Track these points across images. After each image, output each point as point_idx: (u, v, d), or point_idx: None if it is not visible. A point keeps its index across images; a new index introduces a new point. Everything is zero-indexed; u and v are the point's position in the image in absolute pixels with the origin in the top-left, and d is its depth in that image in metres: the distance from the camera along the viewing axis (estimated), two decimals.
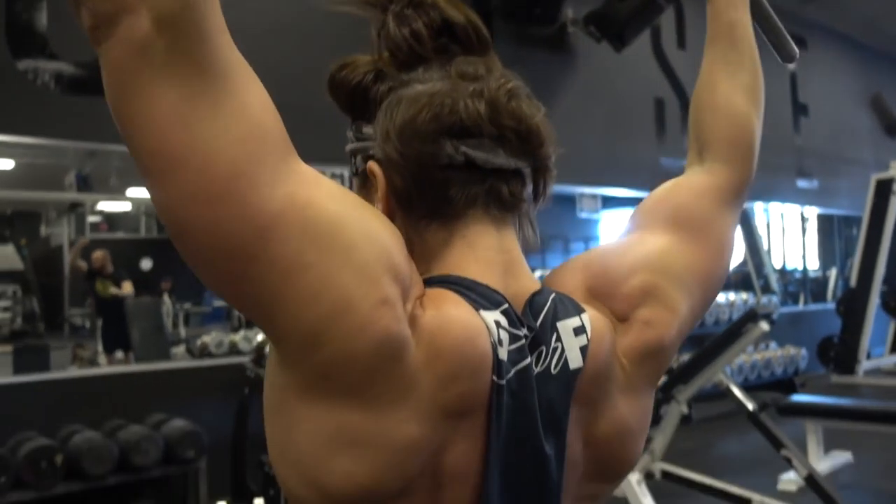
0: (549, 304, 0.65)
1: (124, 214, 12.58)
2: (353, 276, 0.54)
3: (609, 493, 0.73)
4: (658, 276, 0.70)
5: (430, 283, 0.63)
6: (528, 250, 0.70)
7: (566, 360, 0.63)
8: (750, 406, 3.67)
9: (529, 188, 0.68)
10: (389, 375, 0.55)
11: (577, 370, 0.63)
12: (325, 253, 0.54)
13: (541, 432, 0.61)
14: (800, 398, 4.81)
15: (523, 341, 0.61)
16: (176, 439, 3.68)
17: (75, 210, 11.08)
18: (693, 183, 0.79)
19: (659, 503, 2.73)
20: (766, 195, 8.40)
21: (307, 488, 0.58)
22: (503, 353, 0.59)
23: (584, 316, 0.65)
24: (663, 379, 4.11)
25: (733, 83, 0.82)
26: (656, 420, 4.03)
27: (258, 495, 3.85)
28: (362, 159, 0.69)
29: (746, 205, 8.23)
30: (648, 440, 4.09)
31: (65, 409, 3.85)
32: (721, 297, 6.94)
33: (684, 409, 3.91)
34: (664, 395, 3.96)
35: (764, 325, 3.53)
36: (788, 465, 3.65)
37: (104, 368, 5.03)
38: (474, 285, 0.62)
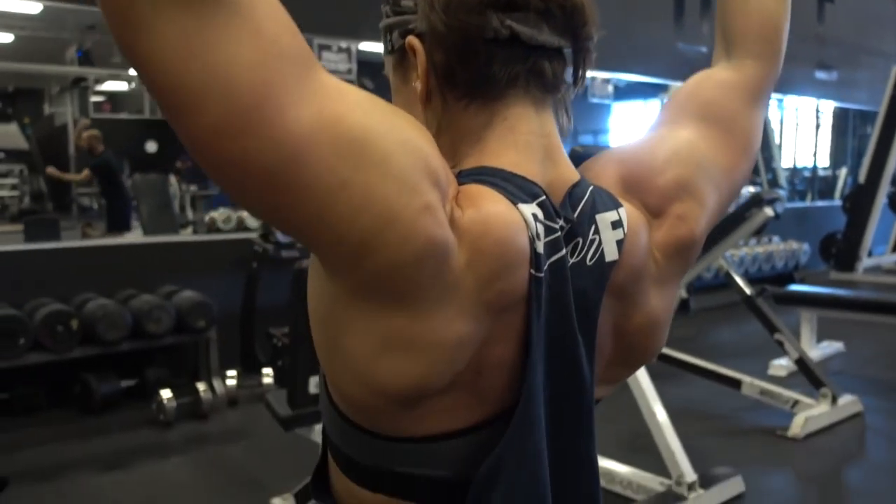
0: (587, 196, 0.65)
1: (128, 94, 12.39)
2: (392, 186, 0.53)
3: (628, 377, 0.76)
4: (690, 170, 0.71)
5: (463, 176, 0.62)
6: (560, 136, 0.69)
7: (602, 252, 0.64)
8: (747, 290, 3.73)
9: (570, 70, 0.67)
10: (435, 279, 0.55)
11: (613, 263, 0.65)
12: (361, 168, 0.52)
13: (574, 321, 0.63)
14: (796, 288, 4.89)
15: (559, 233, 0.62)
16: (187, 309, 3.78)
17: (78, 87, 10.89)
18: (722, 78, 0.79)
19: (653, 383, 2.82)
20: (783, 87, 8.19)
21: (360, 388, 0.59)
22: (540, 247, 0.60)
23: (622, 210, 0.66)
24: None
25: None
26: None
27: (266, 365, 4.01)
28: (399, 35, 0.66)
29: None
30: None
31: (78, 279, 3.95)
32: None
33: (683, 294, 3.98)
34: None
35: (768, 211, 3.54)
36: (781, 349, 3.76)
37: (115, 240, 5.09)
38: (511, 177, 0.62)
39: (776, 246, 7.11)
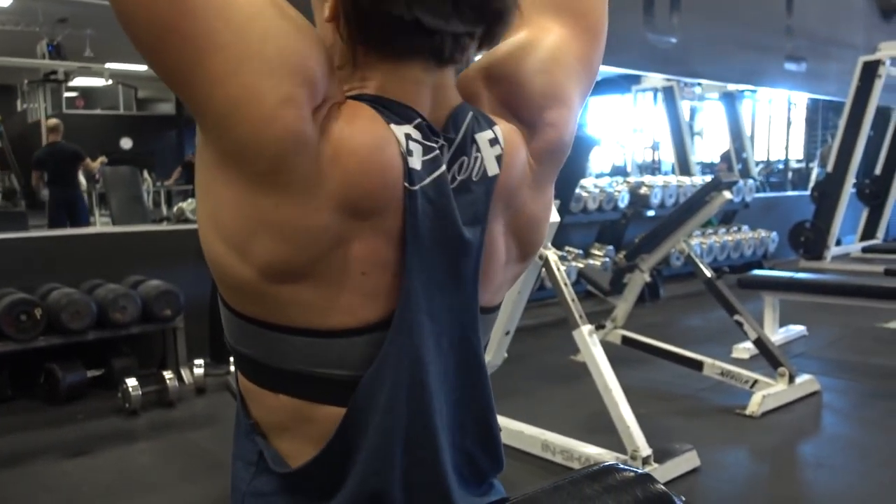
0: (468, 118, 0.70)
1: (102, 90, 12.28)
2: (261, 65, 0.57)
3: (523, 270, 0.83)
4: (552, 73, 0.75)
5: (351, 98, 0.66)
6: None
7: (485, 168, 0.70)
8: (707, 273, 3.80)
9: (477, 43, 0.68)
10: (296, 168, 0.60)
11: (495, 177, 0.71)
12: (239, 38, 0.57)
13: (461, 229, 0.68)
14: (759, 272, 4.96)
15: (437, 153, 0.67)
16: (153, 298, 3.78)
17: (50, 82, 10.78)
18: None
19: (618, 367, 2.88)
20: (754, 78, 8.30)
21: (233, 259, 0.64)
22: (415, 163, 0.65)
23: (496, 129, 0.71)
24: (625, 251, 4.22)
25: None
26: (619, 288, 4.18)
27: None
28: None
29: (732, 88, 8.04)
30: (611, 309, 4.25)
31: (44, 269, 3.93)
32: (698, 179, 7.01)
33: (647, 278, 4.04)
34: (628, 265, 4.08)
35: (727, 194, 3.60)
36: (742, 332, 3.83)
37: (81, 230, 5.07)
38: (391, 104, 0.66)
39: (744, 234, 7.21)
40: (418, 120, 0.67)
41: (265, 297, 0.66)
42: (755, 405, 3.39)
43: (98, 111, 12.47)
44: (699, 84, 8.23)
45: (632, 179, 6.84)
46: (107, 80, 11.25)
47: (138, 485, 2.82)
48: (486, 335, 0.78)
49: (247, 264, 0.64)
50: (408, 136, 0.65)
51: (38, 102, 11.62)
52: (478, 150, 0.69)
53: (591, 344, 2.75)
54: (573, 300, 2.88)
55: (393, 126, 0.65)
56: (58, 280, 3.83)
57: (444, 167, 0.67)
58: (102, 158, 6.80)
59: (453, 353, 0.72)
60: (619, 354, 3.84)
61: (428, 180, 0.66)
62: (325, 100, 0.62)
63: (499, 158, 0.70)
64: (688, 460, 2.76)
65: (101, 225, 6.34)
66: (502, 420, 3.07)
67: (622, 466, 0.80)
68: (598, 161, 10.82)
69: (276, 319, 0.67)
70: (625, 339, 4.06)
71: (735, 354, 4.35)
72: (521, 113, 0.74)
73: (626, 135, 10.76)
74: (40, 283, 3.81)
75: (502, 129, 0.72)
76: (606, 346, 3.76)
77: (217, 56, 0.57)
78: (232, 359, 0.76)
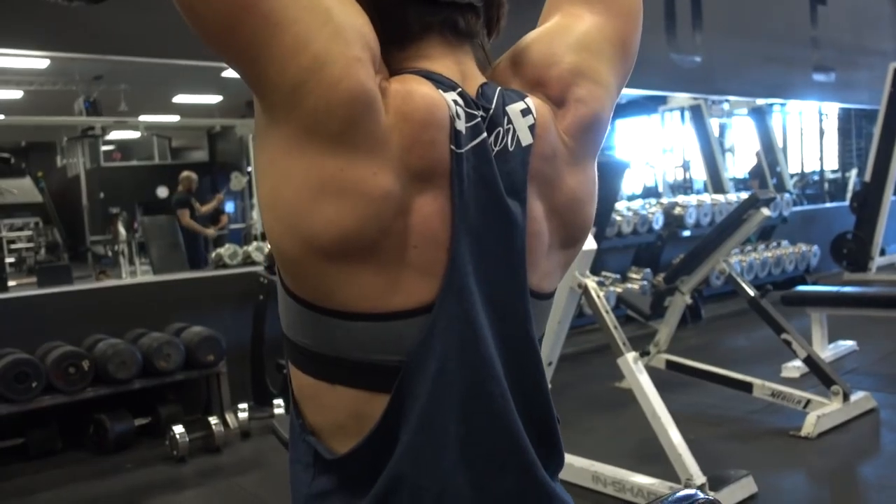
0: (497, 92, 0.72)
1: (137, 142, 12.61)
2: (332, 33, 0.61)
3: (571, 259, 0.81)
4: (583, 55, 0.76)
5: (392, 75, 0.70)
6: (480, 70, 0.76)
7: (519, 138, 0.71)
8: (751, 292, 3.72)
9: (483, 20, 0.75)
10: (364, 127, 0.62)
11: (529, 146, 0.71)
12: (309, 11, 0.61)
13: (505, 198, 0.69)
14: (803, 288, 4.85)
15: (479, 120, 0.69)
16: (196, 344, 3.83)
17: (88, 137, 11.10)
18: None
19: (664, 393, 2.82)
20: (782, 92, 8.22)
21: (293, 238, 0.65)
22: (461, 126, 0.67)
23: (528, 100, 0.73)
24: (663, 274, 4.16)
25: None
26: (660, 312, 4.12)
27: (277, 396, 4.03)
28: None
29: (761, 102, 7.96)
30: (652, 333, 4.19)
31: (88, 321, 4.01)
32: (732, 196, 6.92)
33: (688, 300, 3.97)
34: (668, 287, 4.02)
35: (765, 211, 3.54)
36: (790, 350, 3.73)
37: (123, 280, 5.17)
38: (431, 74, 0.69)
39: (785, 250, 7.07)
40: (460, 89, 0.69)
41: (325, 278, 0.65)
42: (810, 426, 3.29)
43: (134, 162, 12.79)
44: (727, 101, 8.17)
45: (665, 200, 6.77)
46: (141, 133, 11.54)
47: None
48: (539, 324, 0.76)
49: (308, 243, 0.64)
50: (455, 102, 0.67)
51: (77, 157, 11.95)
52: (510, 121, 0.70)
53: (636, 371, 2.70)
54: (615, 327, 2.84)
55: (441, 91, 0.67)
56: (103, 331, 3.90)
57: (485, 134, 0.68)
58: (219, 196, 7.19)
59: (504, 327, 0.70)
60: (664, 379, 3.77)
61: (471, 146, 0.67)
62: (378, 70, 0.65)
63: (532, 128, 0.71)
64: (744, 487, 2.68)
65: (140, 275, 6.45)
66: None
67: (701, 496, 0.77)
68: (629, 183, 10.76)
69: (335, 304, 0.66)
70: (669, 364, 3.98)
71: (784, 374, 4.23)
72: (549, 91, 0.75)
73: (656, 155, 10.69)
74: (86, 334, 3.88)
75: (533, 101, 0.73)
76: (651, 371, 3.70)
77: (290, 29, 0.60)
78: (284, 357, 0.75)
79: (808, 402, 3.45)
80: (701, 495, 0.76)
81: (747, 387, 3.64)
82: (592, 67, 0.76)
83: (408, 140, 0.64)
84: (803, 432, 3.28)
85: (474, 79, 0.73)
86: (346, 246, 0.64)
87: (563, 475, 2.72)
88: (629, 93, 7.08)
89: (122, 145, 12.80)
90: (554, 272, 0.77)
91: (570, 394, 4.05)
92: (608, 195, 3.42)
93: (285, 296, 0.70)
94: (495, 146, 0.69)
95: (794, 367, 4.20)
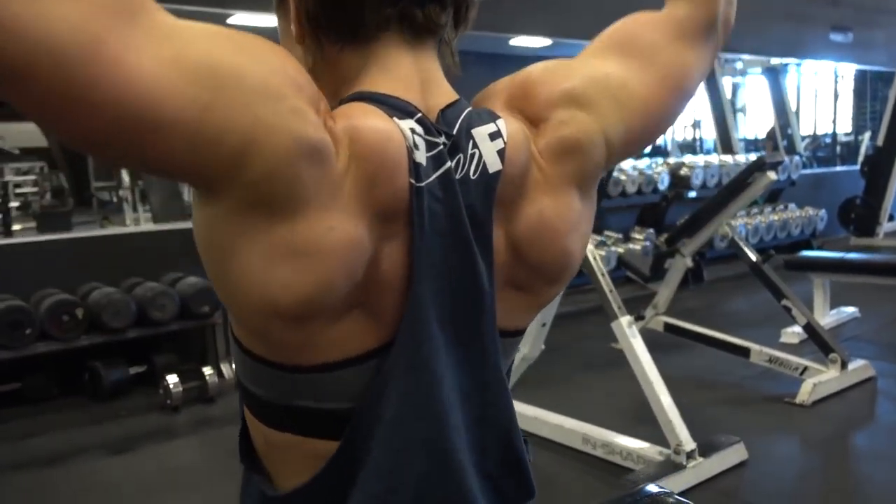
0: (463, 114, 0.65)
1: None
2: (253, 97, 0.53)
3: (540, 300, 0.73)
4: (584, 83, 0.69)
5: (340, 102, 0.63)
6: (449, 79, 0.69)
7: (485, 164, 0.64)
8: (753, 257, 3.67)
9: (449, 13, 0.67)
10: (314, 181, 0.55)
11: (497, 173, 0.64)
12: (219, 89, 0.52)
13: (469, 233, 0.63)
14: (807, 253, 4.79)
15: (441, 148, 0.62)
16: (191, 295, 3.81)
17: None
18: (649, 16, 0.78)
19: (659, 355, 2.80)
20: (797, 51, 8.01)
21: (254, 309, 0.58)
22: (420, 157, 0.60)
23: (499, 122, 0.66)
24: (666, 235, 4.10)
25: None
26: (660, 274, 4.07)
27: None
28: None
29: (775, 62, 7.76)
30: (652, 295, 4.15)
31: (84, 269, 3.99)
32: (741, 158, 6.80)
33: (689, 263, 3.92)
34: (669, 250, 3.97)
35: (772, 175, 3.46)
36: (790, 316, 3.69)
37: (121, 228, 5.15)
38: (386, 98, 0.62)
39: (791, 213, 6.98)
40: (419, 115, 0.63)
41: (281, 336, 0.61)
42: (806, 393, 3.27)
43: None
44: (741, 59, 7.98)
45: (672, 160, 6.67)
46: None
47: (179, 482, 2.84)
48: (507, 358, 0.72)
49: (269, 312, 0.58)
50: (412, 131, 0.61)
51: None
52: (475, 145, 0.64)
53: (630, 336, 2.67)
54: (611, 290, 2.80)
55: (396, 119, 0.61)
56: (100, 279, 3.88)
57: (449, 163, 0.62)
58: None
59: (470, 368, 0.67)
60: (661, 341, 3.75)
61: (434, 177, 0.61)
62: (318, 109, 0.58)
63: (501, 153, 0.64)
64: (735, 453, 2.67)
65: (144, 222, 6.42)
66: (540, 412, 3.02)
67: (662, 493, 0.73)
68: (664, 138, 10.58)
69: (288, 359, 0.62)
70: (667, 326, 3.96)
71: (783, 339, 4.21)
72: (528, 108, 0.69)
73: (693, 111, 10.51)
74: (82, 282, 3.87)
75: (507, 123, 0.66)
76: (648, 333, 3.68)
77: (208, 118, 0.52)
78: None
79: (805, 368, 3.43)
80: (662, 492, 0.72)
81: (745, 352, 3.62)
82: (590, 98, 0.69)
83: (364, 182, 0.58)
84: (798, 399, 3.27)
85: (438, 88, 0.67)
86: (312, 308, 0.58)
87: (553, 435, 2.70)
88: None
89: None
90: (518, 310, 0.71)
91: (566, 353, 4.04)
92: None
93: (236, 348, 0.66)
94: (456, 173, 0.63)
95: (794, 333, 4.17)
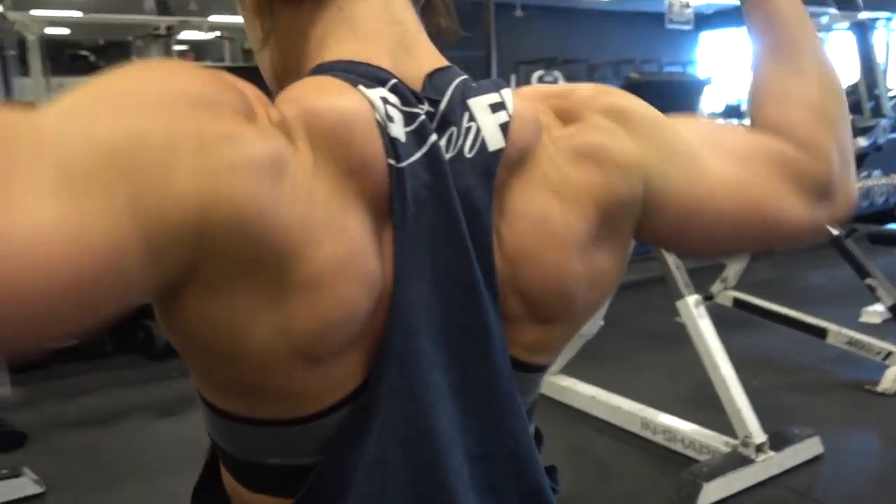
0: (456, 81, 0.54)
1: (210, 42, 12.65)
2: (164, 169, 0.40)
3: (558, 336, 0.58)
4: (644, 116, 0.57)
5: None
6: (445, 42, 0.59)
7: (483, 140, 0.52)
8: (834, 231, 3.39)
9: None
10: (282, 203, 0.44)
11: (499, 151, 0.52)
12: (123, 186, 0.39)
13: (464, 227, 0.50)
14: (894, 227, 4.44)
15: (423, 117, 0.51)
16: None
17: (160, 38, 11.13)
18: (758, 135, 0.66)
19: (728, 333, 2.61)
20: (887, 5, 7.43)
21: (220, 369, 0.49)
22: (397, 131, 0.49)
23: (504, 91, 0.54)
24: None
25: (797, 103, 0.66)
26: None
27: None
28: None
29: (864, 17, 7.26)
30: (721, 266, 3.90)
31: None
32: None
33: None
34: None
35: (860, 141, 3.16)
36: (873, 295, 3.42)
37: None
38: (351, 66, 0.51)
39: (876, 181, 6.52)
40: (394, 81, 0.51)
41: (258, 397, 0.51)
42: (889, 381, 3.02)
43: (208, 63, 12.83)
44: (827, 14, 7.45)
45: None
46: (206, 33, 11.47)
47: None
48: (527, 395, 0.58)
49: (242, 365, 0.48)
50: (384, 100, 0.49)
51: (151, 57, 12.04)
52: (471, 118, 0.52)
53: (697, 317, 2.47)
54: (677, 267, 2.60)
55: (362, 88, 0.49)
56: None
57: (434, 136, 0.50)
58: None
59: (475, 390, 0.53)
60: (730, 317, 3.54)
61: (417, 156, 0.49)
62: (250, 111, 0.45)
63: (504, 127, 0.52)
64: (809, 447, 2.47)
65: None
66: (598, 391, 2.87)
67: None
68: (709, 101, 10.11)
69: (260, 414, 0.51)
70: (736, 302, 3.73)
71: (864, 318, 3.93)
72: (562, 104, 0.57)
73: (742, 71, 9.98)
74: None
75: (515, 99, 0.54)
76: (715, 308, 3.47)
77: (117, 223, 0.39)
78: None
79: (889, 353, 3.16)
80: None
81: (821, 332, 3.38)
82: (642, 130, 0.56)
83: (337, 176, 0.46)
84: (880, 388, 3.03)
85: (420, 49, 0.55)
86: (327, 339, 0.47)
87: (610, 417, 2.52)
88: (718, 2, 6.49)
89: (196, 46, 12.90)
90: (528, 344, 0.56)
91: (628, 327, 3.85)
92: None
93: (200, 400, 0.56)
94: (447, 152, 0.51)
95: (876, 312, 3.89)
